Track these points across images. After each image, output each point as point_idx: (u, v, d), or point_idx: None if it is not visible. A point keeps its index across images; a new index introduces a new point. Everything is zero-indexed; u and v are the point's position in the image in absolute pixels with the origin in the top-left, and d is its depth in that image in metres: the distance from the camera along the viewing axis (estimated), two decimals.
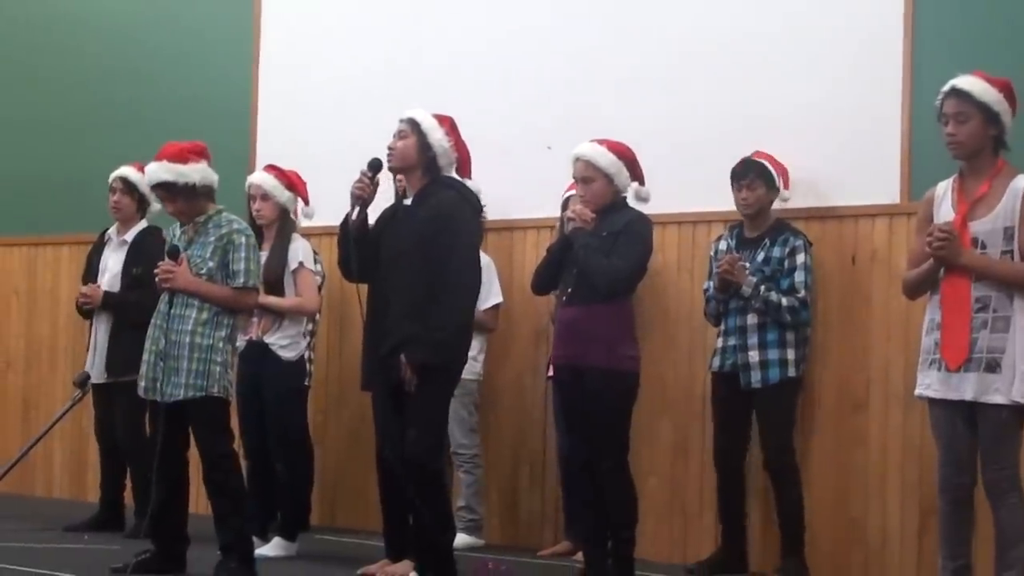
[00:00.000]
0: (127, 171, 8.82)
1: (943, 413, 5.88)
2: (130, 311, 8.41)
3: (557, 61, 8.78)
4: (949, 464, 5.88)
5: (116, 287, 8.66)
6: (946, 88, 5.96)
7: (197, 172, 6.95)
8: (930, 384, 5.88)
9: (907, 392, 6.21)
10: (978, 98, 5.86)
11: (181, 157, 6.95)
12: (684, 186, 8.07)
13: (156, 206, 8.76)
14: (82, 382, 7.36)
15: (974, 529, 5.96)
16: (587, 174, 7.14)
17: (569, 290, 7.08)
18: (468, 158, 7.03)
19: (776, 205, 7.75)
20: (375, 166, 6.82)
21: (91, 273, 8.87)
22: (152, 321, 6.98)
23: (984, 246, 5.80)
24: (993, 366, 5.71)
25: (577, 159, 7.19)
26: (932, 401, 5.92)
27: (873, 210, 7.69)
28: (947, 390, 5.81)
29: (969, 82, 5.91)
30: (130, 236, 8.77)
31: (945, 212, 5.92)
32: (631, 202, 7.24)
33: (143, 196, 8.77)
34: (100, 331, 8.69)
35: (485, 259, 8.45)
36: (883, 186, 7.63)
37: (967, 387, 5.75)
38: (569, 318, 7.06)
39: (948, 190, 5.97)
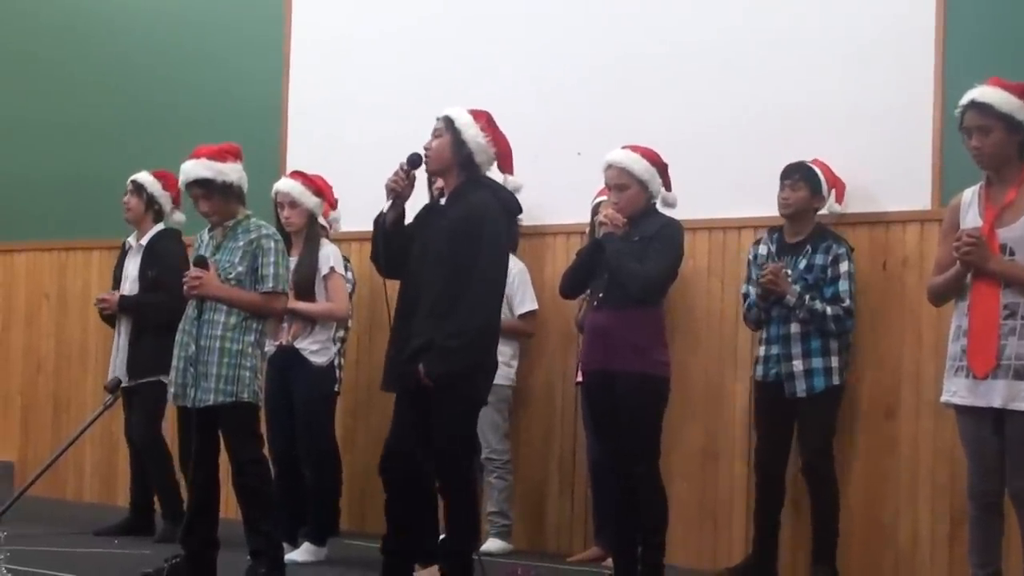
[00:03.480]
0: (140, 175, 8.94)
1: (970, 420, 5.85)
2: (147, 313, 8.51)
3: (588, 66, 8.77)
4: (977, 471, 5.85)
5: (136, 292, 8.73)
6: (965, 101, 5.92)
7: (234, 172, 6.98)
8: (956, 391, 5.85)
9: (938, 398, 6.17)
10: (1000, 109, 5.83)
11: (219, 156, 6.98)
12: (715, 192, 8.06)
13: (179, 215, 8.83)
14: (113, 387, 7.37)
15: (1004, 536, 5.93)
16: (620, 181, 7.13)
17: (600, 295, 7.07)
18: (509, 152, 6.80)
19: (824, 214, 7.73)
20: (414, 161, 6.60)
21: (116, 284, 8.96)
22: (181, 327, 6.99)
23: (1012, 252, 5.77)
24: (1022, 373, 5.67)
25: (610, 166, 7.17)
26: (959, 408, 5.89)
27: (905, 216, 7.68)
28: (974, 397, 5.78)
29: (988, 93, 5.87)
30: (145, 240, 8.84)
31: (971, 219, 5.88)
32: (658, 207, 7.25)
33: (152, 197, 8.82)
34: (122, 335, 8.77)
35: (519, 265, 8.47)
36: (915, 192, 7.62)
37: (995, 394, 5.71)
38: (600, 323, 7.05)
39: (974, 197, 5.94)
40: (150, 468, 8.76)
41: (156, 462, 8.64)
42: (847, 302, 7.48)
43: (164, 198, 8.81)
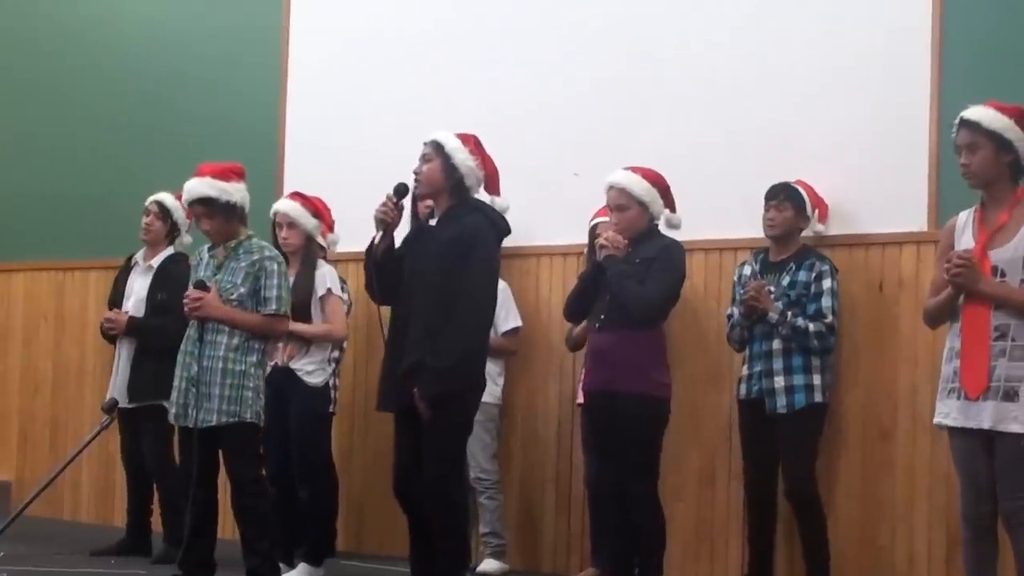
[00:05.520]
0: (164, 196, 8.85)
1: (962, 442, 5.87)
2: (153, 336, 8.44)
3: (583, 87, 8.78)
4: (970, 493, 5.87)
5: (141, 312, 8.67)
6: (957, 120, 5.98)
7: (238, 191, 7.01)
8: (948, 413, 5.87)
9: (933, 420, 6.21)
10: (987, 127, 5.87)
11: (224, 175, 7.01)
12: (711, 213, 8.06)
13: (187, 238, 8.82)
14: (110, 408, 7.37)
15: (998, 557, 5.93)
16: (621, 202, 7.18)
17: (602, 317, 7.10)
18: (495, 174, 6.92)
19: (808, 234, 7.75)
20: (400, 191, 6.74)
21: (117, 297, 8.90)
22: (182, 347, 7.01)
23: (1004, 274, 5.79)
24: (1011, 395, 5.69)
25: (611, 187, 7.23)
26: (951, 430, 5.91)
27: (900, 238, 7.67)
28: (965, 419, 5.80)
29: (978, 112, 5.92)
30: (156, 262, 8.78)
31: (966, 241, 5.91)
32: (662, 229, 7.27)
33: (175, 223, 8.80)
34: (123, 356, 8.71)
35: (501, 283, 8.46)
36: (910, 214, 7.62)
37: (985, 415, 5.73)
38: (601, 345, 7.08)
39: (969, 219, 5.97)
40: (161, 491, 8.71)
41: (168, 485, 8.55)
42: (829, 318, 7.46)
43: (184, 224, 8.79)
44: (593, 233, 7.80)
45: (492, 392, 8.24)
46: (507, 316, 8.51)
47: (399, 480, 6.72)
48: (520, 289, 8.71)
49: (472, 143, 6.80)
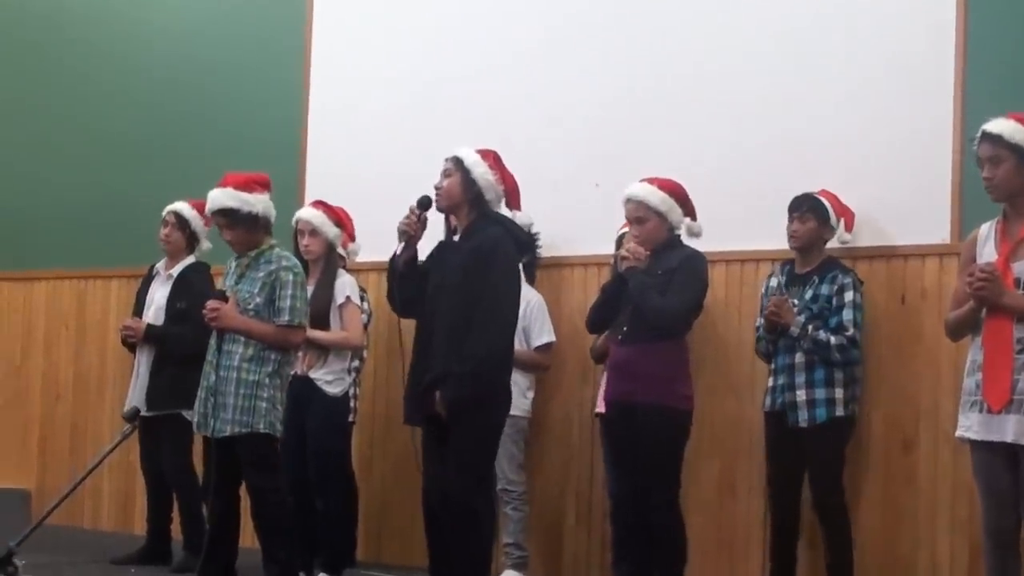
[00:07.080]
0: (181, 206, 8.85)
1: (984, 455, 5.84)
2: (171, 344, 8.45)
3: (605, 98, 8.77)
4: (992, 507, 5.84)
5: (161, 320, 8.68)
6: (978, 133, 5.97)
7: (260, 203, 7.02)
8: (970, 426, 5.84)
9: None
10: (1009, 139, 5.85)
11: (247, 186, 7.02)
12: (732, 224, 8.03)
13: (207, 244, 8.82)
14: (132, 416, 7.37)
15: (1021, 569, 5.90)
16: (639, 214, 7.18)
17: (624, 329, 7.09)
18: (516, 189, 6.96)
19: (835, 245, 7.72)
20: (424, 204, 6.79)
21: (139, 307, 8.91)
22: (207, 357, 7.02)
23: None
24: None
25: (628, 200, 7.23)
26: (973, 443, 5.87)
27: (923, 250, 7.65)
28: (988, 432, 5.76)
29: (999, 125, 5.90)
30: (176, 271, 8.78)
31: (988, 253, 5.89)
32: (683, 238, 7.26)
33: (193, 233, 8.80)
34: (142, 364, 8.72)
35: (537, 297, 8.46)
36: (934, 226, 7.60)
37: (1008, 429, 5.70)
38: (624, 357, 7.06)
39: (991, 231, 5.95)
40: (180, 498, 8.72)
41: (187, 492, 8.62)
42: (851, 331, 7.42)
43: (202, 232, 8.79)
44: (620, 243, 7.79)
45: (521, 405, 8.23)
46: (541, 330, 8.46)
47: (427, 492, 6.71)
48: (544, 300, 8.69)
49: (491, 158, 6.86)
